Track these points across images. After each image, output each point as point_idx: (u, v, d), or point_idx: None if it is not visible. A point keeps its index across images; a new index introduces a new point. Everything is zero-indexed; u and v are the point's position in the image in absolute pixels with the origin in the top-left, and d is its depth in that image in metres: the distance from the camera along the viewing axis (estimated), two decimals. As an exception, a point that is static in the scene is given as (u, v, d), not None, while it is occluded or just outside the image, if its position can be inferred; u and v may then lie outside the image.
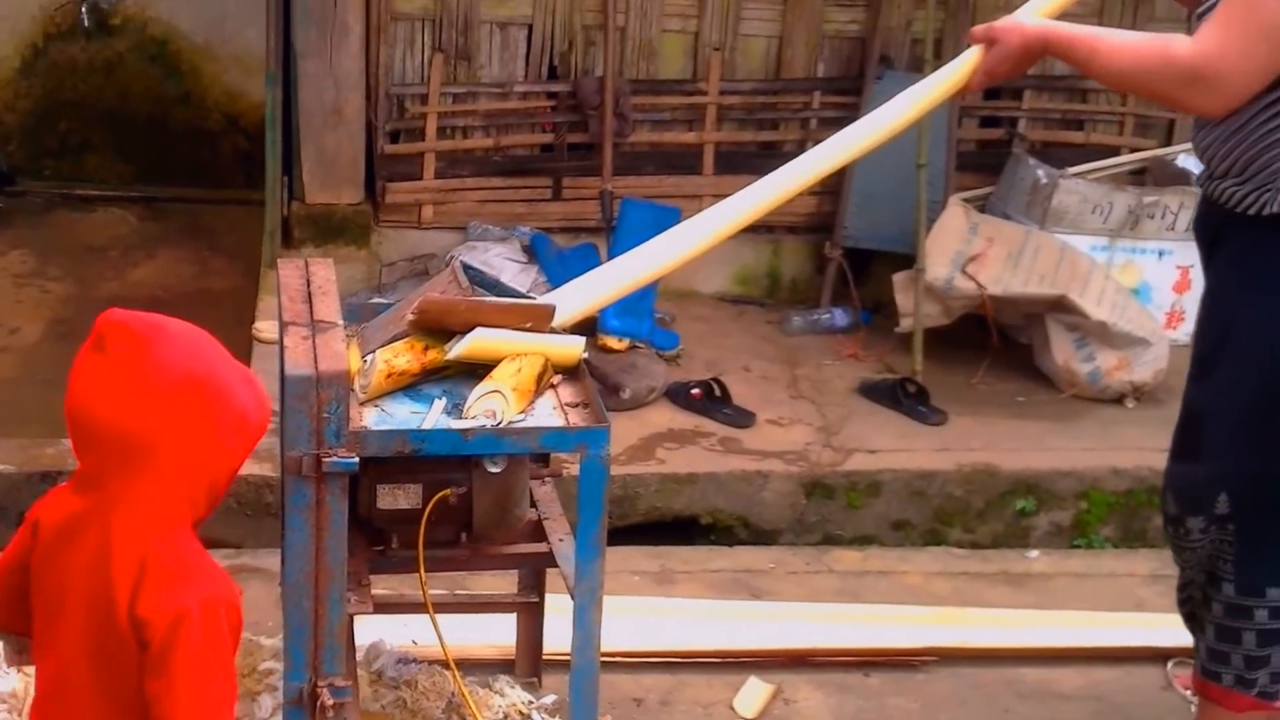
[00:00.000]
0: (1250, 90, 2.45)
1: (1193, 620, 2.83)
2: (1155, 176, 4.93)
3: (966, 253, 4.51)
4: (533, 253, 4.74)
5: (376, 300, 4.05)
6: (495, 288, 2.70)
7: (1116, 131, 5.18)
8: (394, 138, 4.91)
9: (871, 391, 4.46)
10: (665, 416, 4.24)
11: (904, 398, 4.38)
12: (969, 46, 2.76)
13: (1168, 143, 5.15)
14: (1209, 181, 2.65)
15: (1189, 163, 4.75)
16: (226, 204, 5.70)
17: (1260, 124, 2.50)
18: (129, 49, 5.81)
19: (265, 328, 4.28)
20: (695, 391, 4.30)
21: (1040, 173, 4.71)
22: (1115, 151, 5.09)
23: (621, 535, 3.74)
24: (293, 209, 4.86)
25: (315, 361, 2.21)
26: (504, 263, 4.66)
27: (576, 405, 2.45)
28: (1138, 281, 4.47)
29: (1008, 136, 5.12)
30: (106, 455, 1.90)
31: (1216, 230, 2.66)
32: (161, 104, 5.88)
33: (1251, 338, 2.58)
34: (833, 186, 5.00)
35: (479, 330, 2.40)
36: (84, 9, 5.72)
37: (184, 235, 5.52)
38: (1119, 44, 2.61)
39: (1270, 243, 2.56)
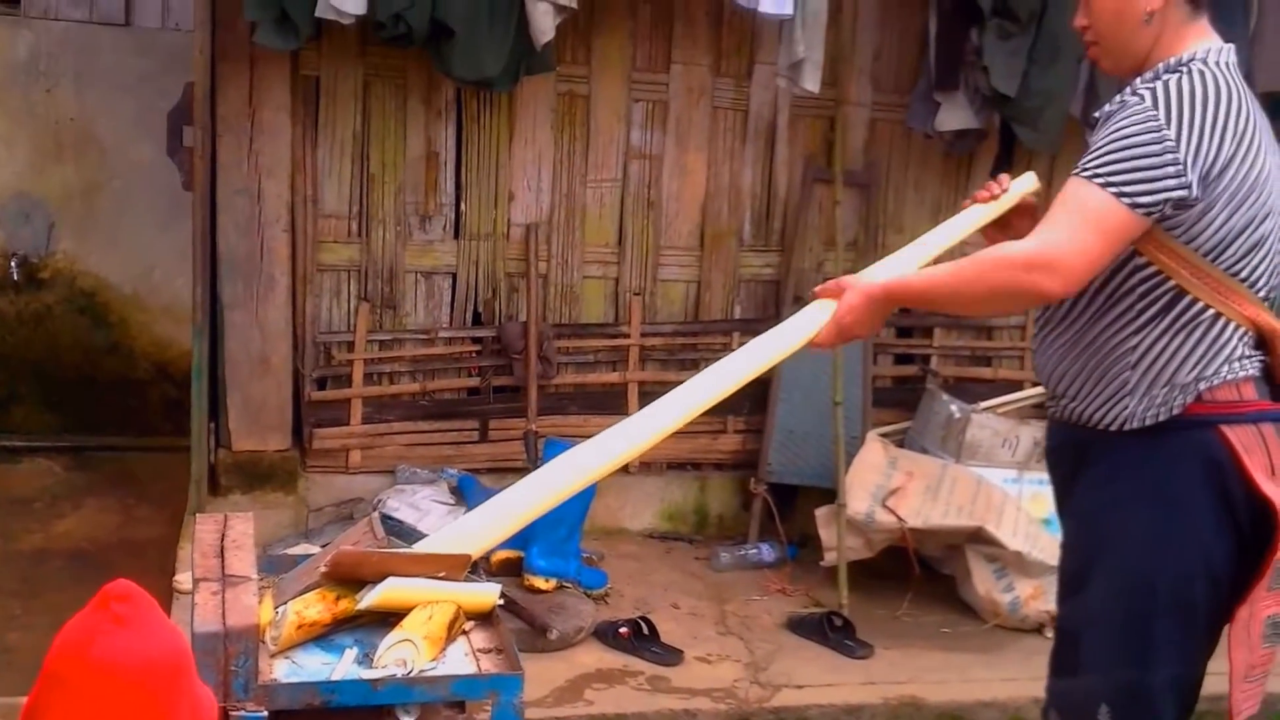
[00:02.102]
0: (1088, 273, 2.50)
1: None
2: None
3: (886, 486, 4.59)
4: (460, 494, 4.76)
5: (301, 547, 4.05)
6: (412, 536, 2.73)
7: (1018, 366, 5.36)
8: (321, 384, 4.97)
9: (799, 626, 4.48)
10: (593, 656, 4.22)
11: (831, 632, 4.40)
12: (813, 301, 2.77)
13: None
14: (1057, 404, 2.74)
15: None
16: (154, 451, 5.66)
17: (1106, 338, 2.61)
18: (58, 301, 5.82)
19: (185, 579, 4.24)
20: (623, 630, 4.29)
21: (954, 408, 4.84)
22: (1019, 385, 5.26)
23: (548, 782, 3.69)
24: (219, 456, 4.86)
25: (223, 617, 2.22)
26: (432, 504, 4.68)
27: (489, 651, 2.45)
28: (1046, 512, 4.55)
29: (921, 372, 5.28)
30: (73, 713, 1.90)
31: (1079, 451, 2.73)
32: (90, 354, 5.86)
33: (1124, 553, 2.64)
34: (755, 425, 5.13)
35: (391, 579, 2.42)
36: (13, 263, 5.74)
37: (110, 484, 5.48)
38: (958, 266, 2.63)
39: (1133, 457, 2.63)
